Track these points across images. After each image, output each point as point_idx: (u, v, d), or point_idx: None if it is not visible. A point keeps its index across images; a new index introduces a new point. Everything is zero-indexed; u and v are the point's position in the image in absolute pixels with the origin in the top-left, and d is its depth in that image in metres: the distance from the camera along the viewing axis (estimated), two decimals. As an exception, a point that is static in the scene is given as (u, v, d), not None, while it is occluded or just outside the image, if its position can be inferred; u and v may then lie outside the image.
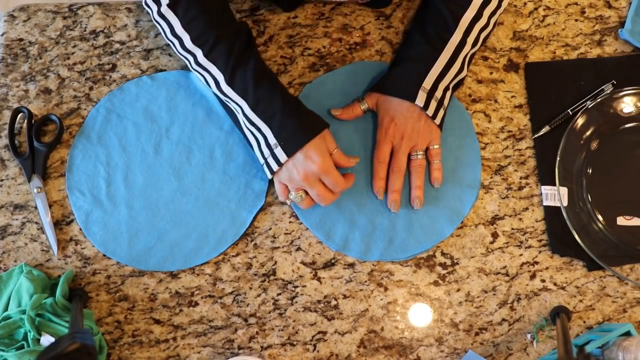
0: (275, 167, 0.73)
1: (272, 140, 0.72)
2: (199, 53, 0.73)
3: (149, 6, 0.76)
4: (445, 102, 0.78)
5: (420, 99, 0.75)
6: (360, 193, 0.80)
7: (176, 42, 0.75)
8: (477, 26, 0.78)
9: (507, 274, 0.78)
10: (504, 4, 0.80)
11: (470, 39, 0.77)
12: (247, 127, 0.75)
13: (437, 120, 0.77)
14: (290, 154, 0.71)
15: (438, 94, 0.76)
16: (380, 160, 0.78)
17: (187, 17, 0.73)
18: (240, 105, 0.74)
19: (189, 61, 0.76)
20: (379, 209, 0.79)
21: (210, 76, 0.74)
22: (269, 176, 0.75)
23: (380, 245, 0.78)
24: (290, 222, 0.80)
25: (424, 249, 0.78)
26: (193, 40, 0.73)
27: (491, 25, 0.80)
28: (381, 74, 0.83)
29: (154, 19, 0.76)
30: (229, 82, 0.73)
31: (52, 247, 0.77)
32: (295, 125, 0.71)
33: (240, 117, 0.75)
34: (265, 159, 0.74)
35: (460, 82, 0.80)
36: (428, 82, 0.75)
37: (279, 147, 0.72)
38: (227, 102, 0.76)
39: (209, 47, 0.72)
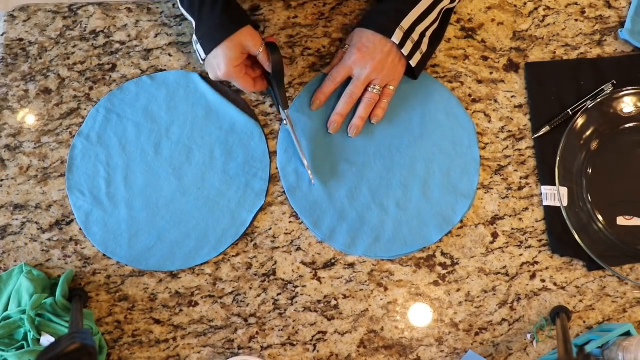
0: (200, 60, 0.78)
1: (194, 36, 0.76)
2: None
3: None
4: (423, 47, 0.79)
5: (397, 37, 0.77)
6: (354, 186, 0.80)
7: None
8: None
9: (507, 274, 0.78)
10: None
11: None
12: (184, 15, 0.78)
13: (414, 62, 0.78)
14: (206, 52, 0.76)
15: (415, 36, 0.78)
16: (333, 78, 0.80)
17: None
18: None
19: None
20: (370, 205, 0.79)
21: None
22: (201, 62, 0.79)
23: (366, 241, 0.78)
24: (290, 222, 0.80)
25: (408, 251, 0.78)
26: None
27: None
28: None
29: None
30: None
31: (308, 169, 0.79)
32: (209, 24, 0.74)
33: (178, 6, 0.78)
34: (195, 46, 0.77)
35: (438, 36, 0.82)
36: (406, 23, 0.77)
37: (198, 44, 0.76)
38: None
39: None
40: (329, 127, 0.81)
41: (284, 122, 0.79)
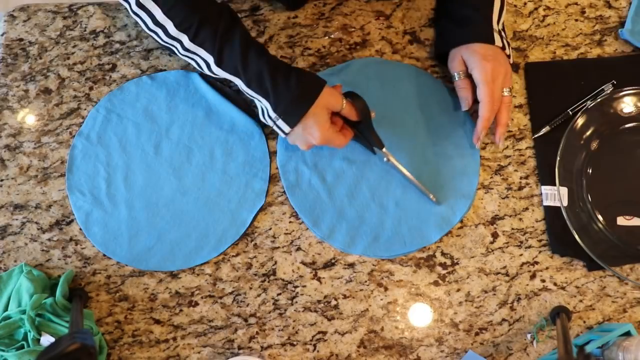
0: (282, 134, 0.75)
1: (272, 113, 0.73)
2: (184, 39, 0.73)
3: (125, 0, 0.73)
4: (509, 40, 0.81)
5: (498, 41, 0.78)
6: (354, 184, 0.80)
7: (160, 31, 0.73)
8: None
9: (507, 274, 0.78)
10: None
11: None
12: (250, 96, 0.75)
13: (511, 59, 0.80)
14: (292, 125, 0.73)
15: (503, 33, 0.80)
16: (492, 98, 0.77)
17: (168, 4, 0.72)
18: (236, 82, 0.75)
19: (175, 48, 0.75)
20: (369, 203, 0.79)
21: (201, 59, 0.74)
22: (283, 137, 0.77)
23: (366, 240, 0.78)
24: (290, 222, 0.80)
25: (407, 251, 0.78)
26: (177, 26, 0.72)
27: None
28: (394, 70, 0.83)
29: (133, 11, 0.73)
30: (219, 64, 0.73)
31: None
32: (290, 97, 0.72)
33: (242, 88, 0.75)
34: (274, 123, 0.75)
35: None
36: (495, 24, 0.79)
37: (280, 120, 0.73)
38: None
39: (193, 31, 0.72)
40: (497, 140, 0.79)
41: (385, 159, 0.79)
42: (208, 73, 0.75)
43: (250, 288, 0.78)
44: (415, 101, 0.83)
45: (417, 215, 0.79)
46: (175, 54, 0.76)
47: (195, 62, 0.75)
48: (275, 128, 0.75)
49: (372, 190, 0.80)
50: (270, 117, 0.74)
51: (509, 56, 0.79)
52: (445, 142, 0.81)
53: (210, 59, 0.73)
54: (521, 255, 0.79)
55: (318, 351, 0.76)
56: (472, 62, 0.78)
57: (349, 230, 0.78)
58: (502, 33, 0.80)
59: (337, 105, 0.74)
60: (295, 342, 0.76)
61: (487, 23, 0.78)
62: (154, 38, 0.75)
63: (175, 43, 0.74)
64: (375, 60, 0.85)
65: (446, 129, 0.82)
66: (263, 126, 0.82)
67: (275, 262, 0.78)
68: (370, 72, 0.84)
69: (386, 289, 0.78)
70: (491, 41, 0.77)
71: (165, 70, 0.84)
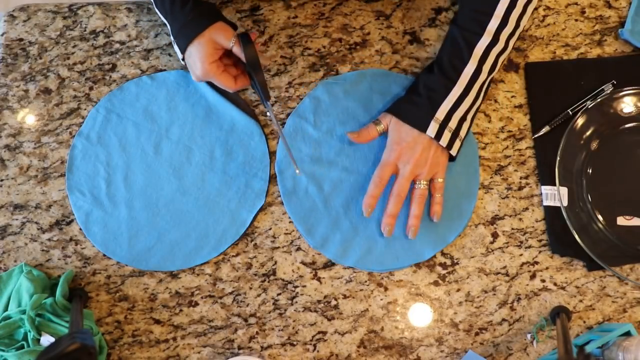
0: (180, 60, 0.78)
1: (171, 37, 0.77)
2: None
3: None
4: (462, 132, 0.76)
5: (432, 130, 0.74)
6: (350, 196, 0.79)
7: None
8: (493, 52, 0.75)
9: (507, 274, 0.78)
10: (522, 25, 0.77)
11: (487, 67, 0.75)
12: (160, 18, 0.78)
13: (453, 151, 0.76)
14: (182, 50, 0.75)
15: (452, 124, 0.75)
16: (379, 179, 0.76)
17: None
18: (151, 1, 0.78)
19: None
20: (364, 216, 0.78)
21: None
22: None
23: (358, 252, 0.77)
24: (290, 222, 0.80)
25: (400, 266, 0.77)
26: None
27: (510, 48, 0.77)
28: (395, 82, 0.82)
29: None
30: None
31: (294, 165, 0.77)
32: (181, 22, 0.74)
33: (154, 9, 0.78)
34: (174, 47, 0.78)
35: (477, 111, 0.78)
36: (441, 113, 0.74)
37: (175, 44, 0.77)
38: None
39: None
40: (383, 230, 0.76)
41: (267, 112, 0.78)
42: None
43: (250, 288, 0.78)
44: None
45: None
46: None
47: None
48: (176, 53, 0.77)
49: None
50: (173, 39, 0.76)
51: (447, 148, 0.75)
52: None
53: None
54: (521, 255, 0.79)
55: (318, 351, 0.76)
56: (390, 137, 0.77)
57: (342, 242, 0.78)
58: (453, 125, 0.74)
59: (226, 41, 0.74)
60: (295, 342, 0.76)
61: (429, 108, 0.74)
62: None
63: None
64: (381, 72, 0.83)
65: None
66: (263, 126, 0.82)
67: (275, 262, 0.78)
68: (385, 81, 0.82)
69: (386, 289, 0.78)
70: (422, 128, 0.74)
71: (165, 70, 0.84)
